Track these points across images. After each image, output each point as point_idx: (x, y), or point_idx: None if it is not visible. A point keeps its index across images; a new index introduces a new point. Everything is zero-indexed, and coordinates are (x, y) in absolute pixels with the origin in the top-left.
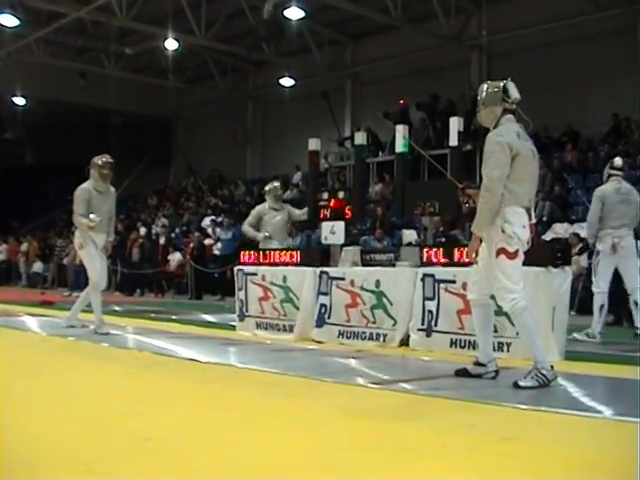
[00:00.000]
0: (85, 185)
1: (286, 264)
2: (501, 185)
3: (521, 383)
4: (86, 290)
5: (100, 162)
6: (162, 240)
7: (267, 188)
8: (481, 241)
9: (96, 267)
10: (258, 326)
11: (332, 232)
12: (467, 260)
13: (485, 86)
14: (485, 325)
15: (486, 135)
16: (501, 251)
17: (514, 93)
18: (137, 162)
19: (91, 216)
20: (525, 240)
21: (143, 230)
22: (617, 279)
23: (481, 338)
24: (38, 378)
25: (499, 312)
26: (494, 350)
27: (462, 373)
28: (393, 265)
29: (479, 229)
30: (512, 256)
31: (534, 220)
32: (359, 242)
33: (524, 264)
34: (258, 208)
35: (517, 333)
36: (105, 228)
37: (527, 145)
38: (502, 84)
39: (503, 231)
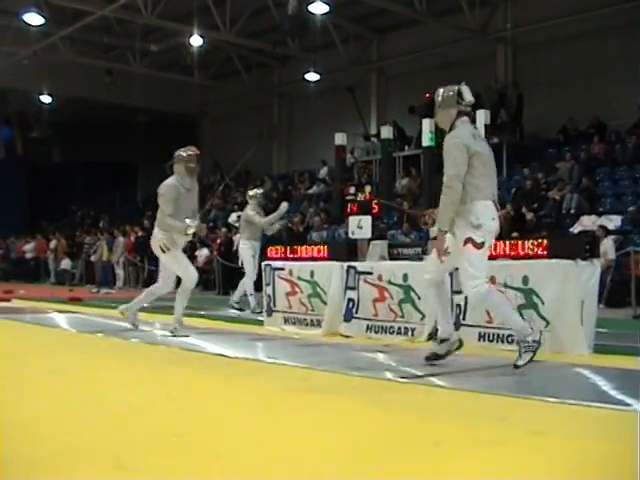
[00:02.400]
0: (171, 181)
1: (314, 259)
2: (459, 182)
3: (519, 363)
4: (179, 292)
5: (186, 155)
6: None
7: (252, 193)
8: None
9: (189, 269)
10: (286, 321)
11: (359, 227)
12: (495, 253)
13: (441, 90)
14: (443, 302)
15: (512, 128)
16: (468, 240)
17: (468, 96)
18: (163, 160)
19: (187, 221)
20: (495, 230)
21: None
22: None
23: (441, 315)
24: (68, 374)
25: (526, 305)
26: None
27: (432, 357)
28: (421, 259)
29: (443, 225)
30: (478, 246)
31: (500, 212)
32: (386, 236)
33: (552, 257)
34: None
35: (546, 326)
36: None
37: (483, 144)
38: (457, 88)
39: (472, 224)
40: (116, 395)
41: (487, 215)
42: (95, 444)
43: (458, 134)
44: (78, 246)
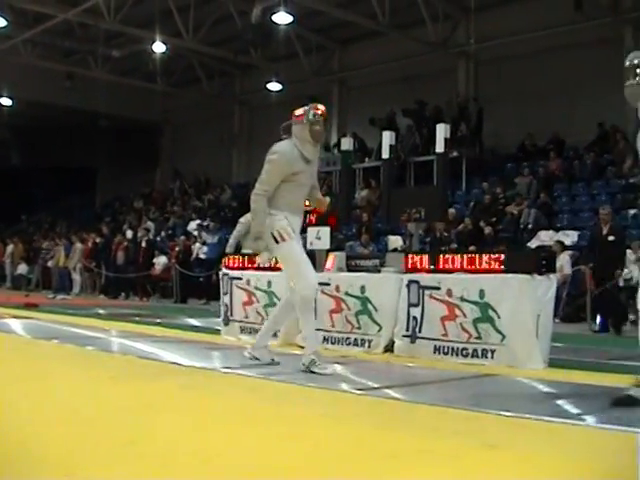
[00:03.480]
0: (288, 147)
1: (271, 269)
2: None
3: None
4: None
5: (313, 115)
6: (143, 244)
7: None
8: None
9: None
10: (242, 331)
11: (317, 237)
12: (452, 267)
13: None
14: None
15: (472, 142)
16: None
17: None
18: (124, 165)
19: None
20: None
21: (130, 233)
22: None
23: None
24: (21, 382)
25: (482, 319)
26: (477, 357)
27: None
28: (378, 271)
29: None
30: None
31: None
32: (344, 248)
33: (509, 271)
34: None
35: (502, 340)
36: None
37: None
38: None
39: None
40: (69, 403)
41: None
42: (47, 453)
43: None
44: (35, 251)
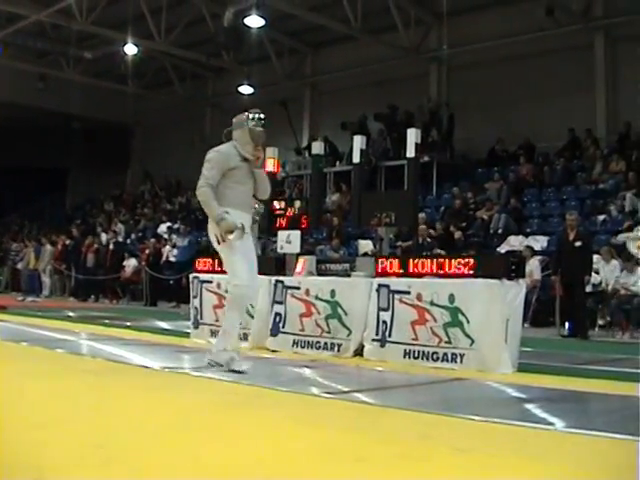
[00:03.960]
0: (225, 147)
1: None
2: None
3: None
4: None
5: (252, 117)
6: (111, 246)
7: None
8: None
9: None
10: (213, 334)
11: (288, 241)
12: (422, 271)
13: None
14: None
15: (443, 147)
16: None
17: None
18: (94, 167)
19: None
20: None
21: (104, 236)
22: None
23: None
24: None
25: (452, 323)
26: (447, 361)
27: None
28: (348, 275)
29: None
30: None
31: None
32: (315, 251)
33: (478, 276)
34: None
35: (471, 344)
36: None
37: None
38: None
39: None
40: (38, 406)
41: None
42: (14, 456)
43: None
44: (4, 253)
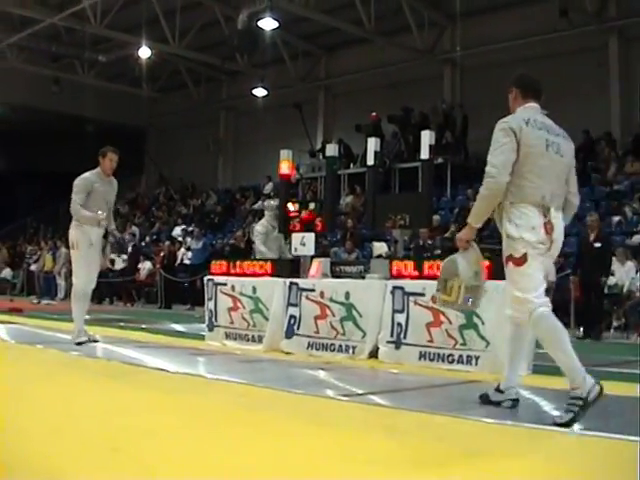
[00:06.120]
0: (88, 174)
1: (256, 275)
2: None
3: (557, 420)
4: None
5: (103, 156)
6: (129, 249)
7: (271, 203)
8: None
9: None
10: (227, 336)
11: (302, 243)
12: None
13: None
14: (512, 347)
15: (457, 149)
16: (508, 259)
17: None
18: None
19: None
20: (536, 242)
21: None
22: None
23: (507, 360)
24: (3, 386)
25: (467, 325)
26: (462, 363)
27: (483, 399)
28: (363, 277)
29: (475, 220)
30: (519, 262)
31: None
32: (329, 254)
33: (492, 278)
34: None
35: (486, 346)
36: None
37: (540, 134)
38: None
39: (507, 235)
40: (53, 408)
41: (524, 225)
42: (31, 459)
43: (508, 118)
44: (20, 256)
